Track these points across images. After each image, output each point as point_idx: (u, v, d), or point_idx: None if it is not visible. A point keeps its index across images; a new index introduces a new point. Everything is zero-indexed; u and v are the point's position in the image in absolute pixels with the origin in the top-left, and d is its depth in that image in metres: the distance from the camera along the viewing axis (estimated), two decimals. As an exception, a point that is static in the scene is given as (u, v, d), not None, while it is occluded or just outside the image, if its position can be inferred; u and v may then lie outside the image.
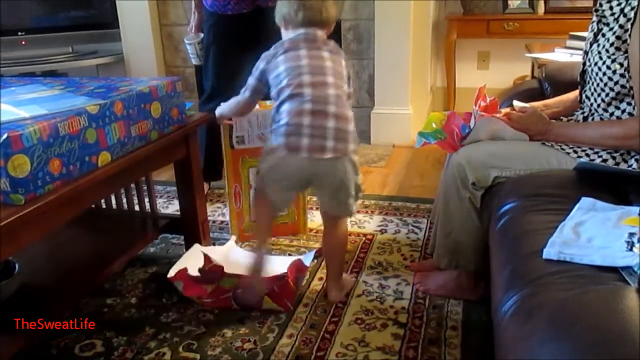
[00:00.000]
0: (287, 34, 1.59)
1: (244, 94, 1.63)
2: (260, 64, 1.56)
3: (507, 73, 3.31)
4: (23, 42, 3.18)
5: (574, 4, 3.20)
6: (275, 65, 1.51)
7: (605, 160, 1.34)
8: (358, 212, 2.16)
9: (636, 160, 1.32)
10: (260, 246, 1.60)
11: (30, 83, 1.65)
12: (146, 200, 1.95)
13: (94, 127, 1.29)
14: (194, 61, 2.40)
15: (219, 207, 2.28)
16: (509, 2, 3.34)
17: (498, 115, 1.47)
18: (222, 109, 1.79)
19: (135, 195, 1.96)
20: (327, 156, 1.41)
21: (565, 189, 1.21)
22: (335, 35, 2.41)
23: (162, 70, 3.40)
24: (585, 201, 1.12)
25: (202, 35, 2.30)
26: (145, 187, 1.96)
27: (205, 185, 2.37)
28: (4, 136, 1.06)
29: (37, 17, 3.26)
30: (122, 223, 1.91)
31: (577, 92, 1.54)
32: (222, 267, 1.59)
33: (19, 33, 3.16)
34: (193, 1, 2.33)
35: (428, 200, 2.26)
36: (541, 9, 3.30)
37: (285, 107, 1.44)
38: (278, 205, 1.58)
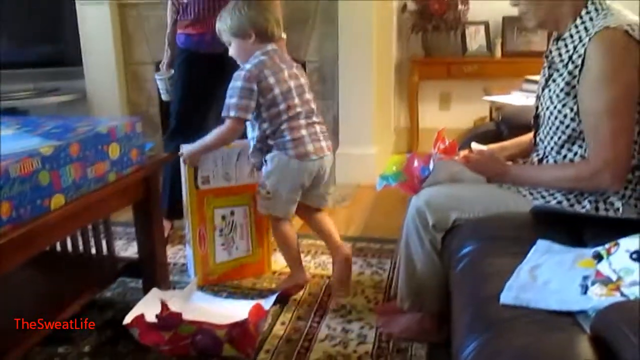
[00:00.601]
0: (253, 48, 1.67)
1: (244, 116, 1.69)
2: (250, 85, 1.68)
3: (468, 114, 3.39)
4: (-16, 78, 3.11)
5: (530, 47, 3.33)
6: (268, 87, 1.70)
7: (560, 202, 1.37)
8: (322, 253, 2.14)
9: (589, 201, 1.35)
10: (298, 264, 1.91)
11: (-14, 122, 1.61)
12: (104, 242, 1.89)
13: (47, 169, 1.26)
14: (164, 97, 2.41)
15: (180, 249, 2.23)
16: (468, 45, 3.46)
17: (456, 157, 1.50)
18: (203, 144, 1.78)
19: (93, 237, 1.90)
20: (326, 153, 1.81)
21: (523, 231, 1.23)
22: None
23: (126, 109, 3.37)
24: (542, 244, 1.14)
25: (173, 71, 2.32)
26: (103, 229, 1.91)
27: (168, 225, 2.31)
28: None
29: (-1, 53, 3.21)
30: (77, 266, 1.83)
31: (532, 134, 1.59)
32: (180, 314, 1.54)
33: (-21, 69, 3.09)
34: (166, 39, 2.35)
35: (392, 240, 2.25)
36: (498, 52, 3.42)
37: (285, 126, 1.74)
38: (289, 212, 1.83)
